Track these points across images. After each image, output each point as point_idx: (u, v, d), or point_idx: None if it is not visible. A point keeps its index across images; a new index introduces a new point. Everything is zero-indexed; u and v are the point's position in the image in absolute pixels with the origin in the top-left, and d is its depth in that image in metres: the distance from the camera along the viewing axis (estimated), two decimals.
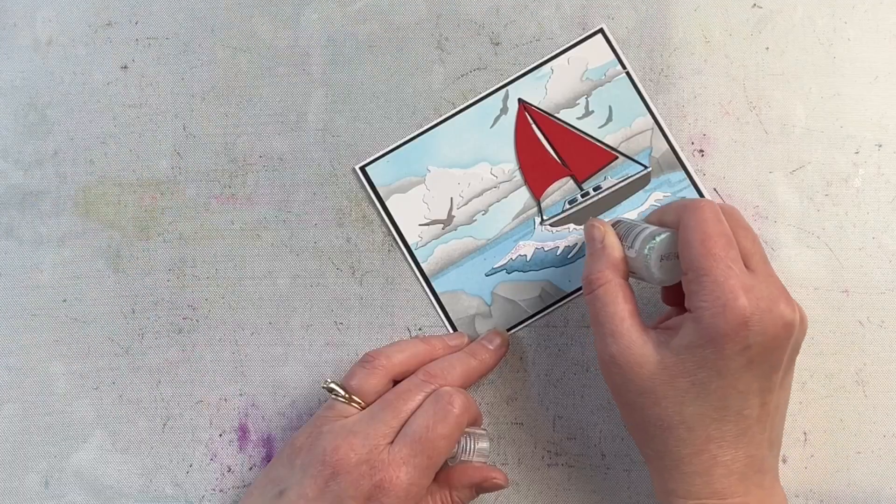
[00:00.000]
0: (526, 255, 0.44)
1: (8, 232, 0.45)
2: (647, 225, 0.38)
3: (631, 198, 0.44)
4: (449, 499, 0.39)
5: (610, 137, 0.44)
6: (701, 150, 0.45)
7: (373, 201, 0.45)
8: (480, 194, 0.44)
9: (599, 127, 0.44)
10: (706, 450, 0.34)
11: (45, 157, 0.46)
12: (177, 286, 0.45)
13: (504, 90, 0.45)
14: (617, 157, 0.44)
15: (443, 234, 0.44)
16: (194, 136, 0.46)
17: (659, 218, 0.39)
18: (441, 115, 0.45)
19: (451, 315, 0.44)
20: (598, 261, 0.37)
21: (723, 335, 0.33)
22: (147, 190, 0.45)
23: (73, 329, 0.45)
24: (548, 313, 0.44)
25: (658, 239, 0.36)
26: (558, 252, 0.44)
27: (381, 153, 0.44)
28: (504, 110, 0.44)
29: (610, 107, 0.44)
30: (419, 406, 0.38)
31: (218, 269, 0.45)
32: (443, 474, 0.40)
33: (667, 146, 0.44)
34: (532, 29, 0.46)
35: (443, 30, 0.46)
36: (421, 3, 0.46)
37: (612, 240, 0.37)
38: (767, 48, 0.45)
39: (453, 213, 0.44)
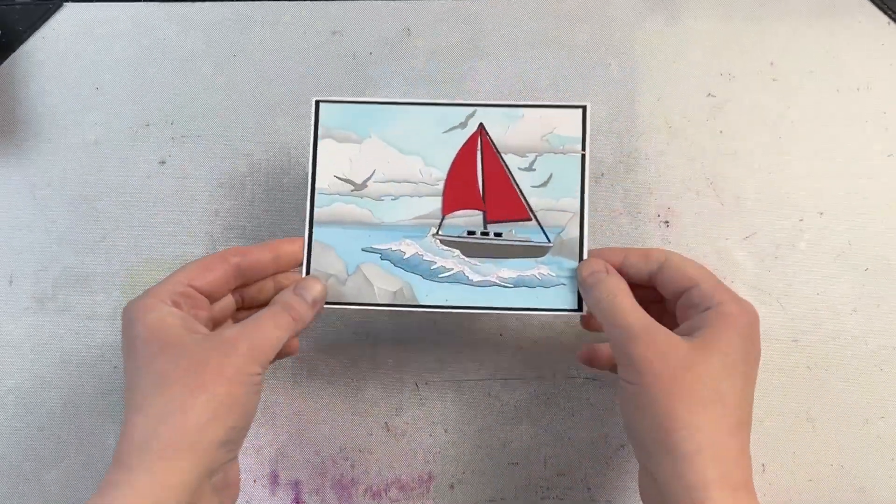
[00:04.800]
0: (404, 253, 0.45)
1: (64, 308, 0.51)
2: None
3: (520, 259, 0.45)
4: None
5: (535, 200, 0.45)
6: (666, 222, 0.51)
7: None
8: (400, 182, 0.45)
9: (533, 186, 0.45)
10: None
11: (95, 242, 0.52)
12: None
13: (474, 108, 0.46)
14: (531, 219, 0.45)
15: (348, 195, 0.45)
16: (226, 223, 0.51)
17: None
18: (411, 98, 0.48)
19: (311, 263, 0.45)
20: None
21: (754, 317, 0.38)
22: None
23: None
24: (392, 311, 0.45)
25: None
26: (432, 266, 0.45)
27: (343, 99, 0.46)
28: (463, 125, 0.46)
29: (551, 174, 0.45)
30: None
31: None
32: None
33: (577, 235, 0.45)
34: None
35: None
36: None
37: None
38: (721, 131, 0.51)
39: (367, 184, 0.45)
